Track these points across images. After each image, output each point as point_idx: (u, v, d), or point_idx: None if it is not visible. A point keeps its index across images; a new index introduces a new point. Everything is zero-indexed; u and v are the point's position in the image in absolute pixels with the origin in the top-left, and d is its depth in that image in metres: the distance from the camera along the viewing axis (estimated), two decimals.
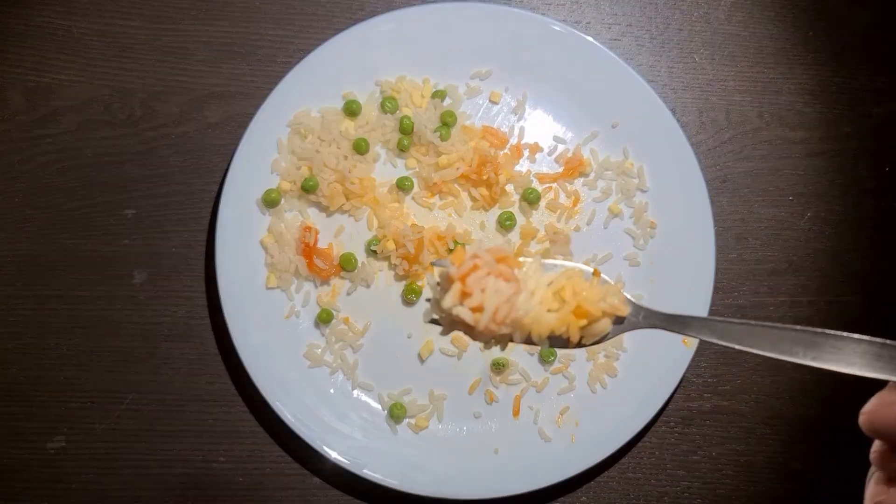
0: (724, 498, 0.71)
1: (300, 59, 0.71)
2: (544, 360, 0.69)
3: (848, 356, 0.38)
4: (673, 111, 0.73)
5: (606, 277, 0.45)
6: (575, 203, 0.72)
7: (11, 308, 0.71)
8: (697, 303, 0.69)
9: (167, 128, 0.74)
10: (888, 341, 0.37)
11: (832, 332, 0.38)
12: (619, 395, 0.68)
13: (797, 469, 0.72)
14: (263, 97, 0.70)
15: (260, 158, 0.70)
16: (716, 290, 0.70)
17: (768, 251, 0.75)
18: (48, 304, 0.71)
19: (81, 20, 0.75)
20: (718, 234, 0.72)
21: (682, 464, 0.71)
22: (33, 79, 0.74)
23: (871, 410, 0.36)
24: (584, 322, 0.43)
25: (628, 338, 0.70)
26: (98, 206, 0.72)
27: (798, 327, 0.39)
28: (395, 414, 0.67)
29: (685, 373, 0.68)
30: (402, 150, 0.71)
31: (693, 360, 0.69)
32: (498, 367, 0.68)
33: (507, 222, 0.71)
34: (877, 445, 0.37)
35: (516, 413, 0.69)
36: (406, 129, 0.71)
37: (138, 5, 0.75)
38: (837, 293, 0.75)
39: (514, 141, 0.73)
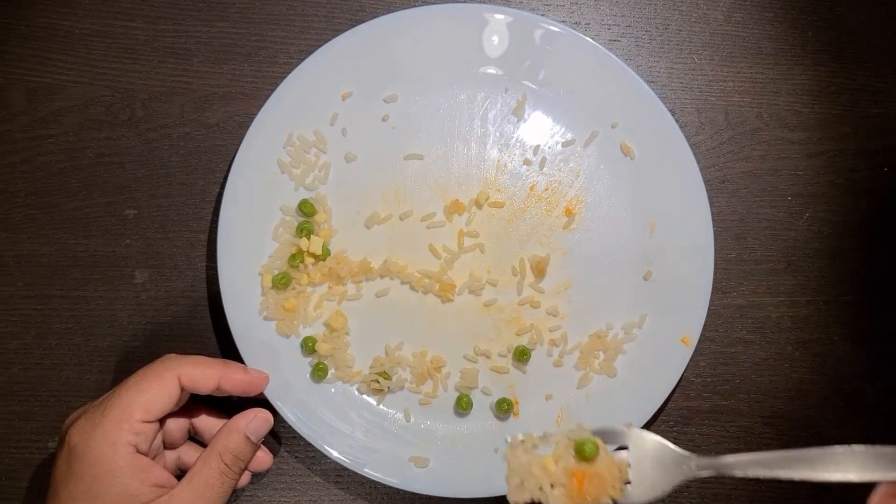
0: (723, 497, 0.71)
1: (301, 59, 0.71)
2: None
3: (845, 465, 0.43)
4: (672, 111, 0.73)
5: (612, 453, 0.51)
6: (574, 203, 0.73)
7: (13, 308, 0.71)
8: (696, 303, 0.69)
9: (168, 128, 0.74)
10: (874, 446, 0.42)
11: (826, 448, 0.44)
12: (618, 394, 0.69)
13: None
14: (265, 98, 0.70)
15: (261, 159, 0.70)
16: (714, 289, 0.70)
17: (767, 251, 0.75)
18: (49, 304, 0.71)
19: (83, 21, 0.75)
20: (717, 234, 0.72)
21: None
22: (34, 79, 0.74)
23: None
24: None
25: (627, 337, 0.70)
26: (99, 206, 0.73)
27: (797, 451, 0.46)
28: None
29: (684, 372, 0.69)
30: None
31: (692, 359, 0.69)
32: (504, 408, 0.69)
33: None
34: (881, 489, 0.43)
35: (516, 413, 0.69)
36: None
37: (139, 6, 0.75)
38: (836, 293, 0.75)
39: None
